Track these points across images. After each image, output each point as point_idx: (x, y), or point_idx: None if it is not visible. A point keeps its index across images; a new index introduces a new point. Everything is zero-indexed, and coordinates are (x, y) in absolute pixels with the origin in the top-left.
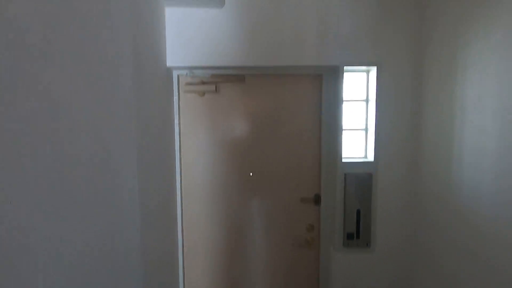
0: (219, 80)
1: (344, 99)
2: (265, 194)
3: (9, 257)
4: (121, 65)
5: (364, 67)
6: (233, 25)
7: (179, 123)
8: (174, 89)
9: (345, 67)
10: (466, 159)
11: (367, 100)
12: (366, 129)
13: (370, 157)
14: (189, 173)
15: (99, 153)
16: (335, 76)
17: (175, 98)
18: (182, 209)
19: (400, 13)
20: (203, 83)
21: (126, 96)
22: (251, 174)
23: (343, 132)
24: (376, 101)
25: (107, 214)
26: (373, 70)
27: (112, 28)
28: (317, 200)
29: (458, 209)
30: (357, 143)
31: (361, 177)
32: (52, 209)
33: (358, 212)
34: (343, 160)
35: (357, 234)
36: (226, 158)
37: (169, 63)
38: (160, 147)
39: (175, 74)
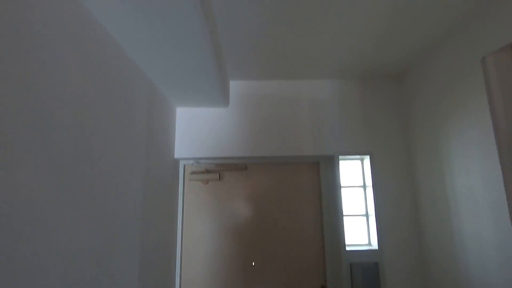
0: (223, 169)
1: (342, 185)
2: (269, 285)
3: None
4: (135, 156)
5: (357, 156)
6: (236, 121)
7: (183, 210)
8: (180, 176)
9: (339, 156)
10: (468, 246)
11: (364, 186)
12: (367, 215)
13: (374, 244)
14: (190, 260)
15: (104, 237)
16: (331, 163)
17: (180, 185)
18: None
19: (388, 108)
20: (207, 171)
21: (136, 184)
22: (253, 263)
23: (344, 218)
24: (373, 187)
25: None
26: (367, 159)
27: (132, 125)
28: None
29: None
30: (359, 229)
31: (368, 267)
32: None
33: None
34: (348, 249)
35: None
36: (228, 246)
37: (177, 155)
38: (163, 233)
39: (181, 163)
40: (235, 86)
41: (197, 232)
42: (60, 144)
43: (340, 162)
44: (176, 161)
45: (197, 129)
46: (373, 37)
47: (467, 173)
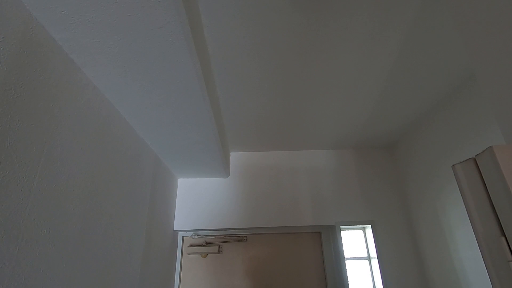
0: (222, 241)
1: (345, 256)
2: None
3: None
4: (137, 228)
5: (359, 225)
6: (236, 192)
7: (180, 284)
8: (178, 249)
9: (341, 226)
10: None
11: (369, 258)
12: None
13: None
14: None
15: None
16: (333, 233)
17: (178, 258)
18: None
19: (384, 176)
20: (206, 243)
21: (135, 257)
22: None
23: None
24: (378, 259)
25: None
26: (369, 228)
27: (136, 198)
28: None
29: None
30: None
31: None
32: None
33: None
34: None
35: None
36: None
37: (176, 227)
38: None
39: (180, 235)
40: (235, 157)
41: None
42: (69, 217)
43: (342, 232)
44: (175, 233)
45: (196, 200)
46: (366, 111)
47: (470, 245)
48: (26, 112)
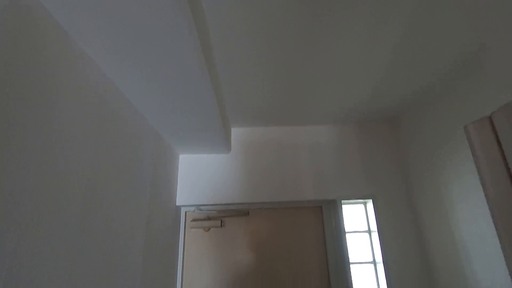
0: (224, 215)
1: (346, 230)
2: None
3: None
4: (139, 204)
5: (360, 200)
6: (238, 167)
7: (183, 258)
8: (181, 224)
9: (342, 200)
10: None
11: (369, 231)
12: (374, 262)
13: None
14: None
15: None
16: (334, 207)
17: (181, 233)
18: None
19: (386, 151)
20: (209, 218)
21: (138, 233)
22: None
23: (351, 265)
24: (378, 233)
25: None
26: (370, 202)
27: (137, 174)
28: None
29: None
30: (367, 277)
31: None
32: None
33: None
34: None
35: None
36: None
37: (179, 202)
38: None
39: (183, 210)
40: (236, 133)
41: (198, 281)
42: (70, 192)
43: (343, 206)
44: (178, 208)
45: (198, 176)
46: (370, 83)
47: (473, 218)
48: (23, 88)
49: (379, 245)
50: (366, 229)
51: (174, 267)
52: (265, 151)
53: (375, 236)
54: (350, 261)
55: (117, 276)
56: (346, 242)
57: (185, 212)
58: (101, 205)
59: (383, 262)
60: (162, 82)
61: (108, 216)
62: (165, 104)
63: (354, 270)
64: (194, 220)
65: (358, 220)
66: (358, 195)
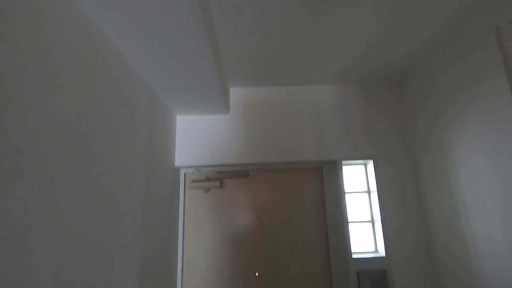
0: (224, 176)
1: (346, 190)
2: None
3: None
4: (136, 165)
5: (361, 161)
6: (237, 128)
7: (184, 220)
8: (180, 185)
9: (342, 161)
10: (481, 252)
11: (369, 192)
12: (372, 221)
13: (381, 251)
14: (191, 272)
15: (102, 245)
16: (334, 169)
17: (181, 194)
18: None
19: (389, 111)
20: (208, 179)
21: (136, 194)
22: (257, 274)
23: (350, 224)
24: (378, 193)
25: None
26: (370, 163)
27: (133, 134)
28: None
29: None
30: (365, 236)
31: (375, 275)
32: None
33: None
34: (354, 256)
35: None
36: (231, 256)
37: (177, 163)
38: (163, 246)
39: (182, 171)
40: (235, 93)
41: (198, 242)
42: (60, 149)
43: (344, 167)
44: (177, 170)
45: (197, 137)
46: (371, 40)
47: (474, 177)
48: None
49: (378, 205)
50: (366, 189)
51: (175, 227)
52: (265, 112)
53: (374, 196)
54: (349, 220)
55: (117, 229)
56: (346, 202)
57: (185, 173)
58: (93, 157)
59: (381, 221)
60: (157, 38)
61: (100, 169)
62: (160, 61)
63: (352, 229)
64: (194, 181)
65: (357, 181)
66: (359, 156)
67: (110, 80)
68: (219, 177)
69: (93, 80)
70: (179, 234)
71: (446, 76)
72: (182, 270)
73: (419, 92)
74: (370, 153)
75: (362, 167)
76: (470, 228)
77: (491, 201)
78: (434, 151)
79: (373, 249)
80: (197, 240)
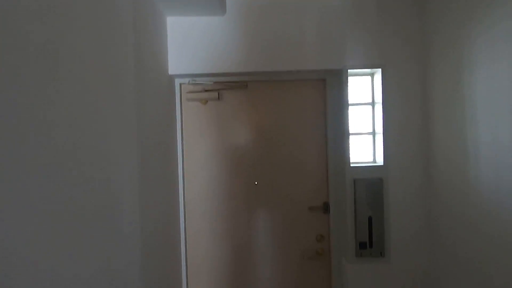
0: (222, 88)
1: (349, 102)
2: (272, 203)
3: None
4: (123, 73)
5: (368, 70)
6: (235, 32)
7: (182, 132)
8: (176, 97)
9: (349, 71)
10: (483, 159)
11: (373, 104)
12: (373, 133)
13: (380, 161)
14: (193, 183)
15: (99, 164)
16: (338, 80)
17: (178, 106)
18: (185, 220)
19: (401, 13)
20: (205, 91)
21: (128, 105)
22: (256, 183)
23: (350, 137)
24: (382, 103)
25: (106, 228)
26: (378, 73)
27: (115, 37)
28: (326, 208)
29: (476, 212)
30: (365, 148)
31: (371, 182)
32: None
33: (370, 219)
34: (352, 165)
35: (370, 243)
36: (230, 167)
37: (171, 71)
38: (162, 158)
39: (177, 82)
40: None
41: (198, 154)
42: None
43: (349, 78)
44: (171, 78)
45: (191, 42)
46: None
47: (491, 83)
48: None
49: (382, 116)
50: (370, 101)
51: (174, 138)
52: (265, 14)
53: (378, 108)
54: (350, 132)
55: (115, 151)
56: (348, 113)
57: (180, 84)
58: (62, 68)
59: (382, 133)
60: None
61: (81, 79)
62: None
63: (353, 141)
64: (190, 92)
65: (362, 93)
66: (367, 64)
67: None
68: (217, 88)
69: None
70: (178, 146)
71: None
72: (183, 180)
73: None
74: (378, 61)
75: (369, 78)
76: (474, 134)
77: (503, 107)
78: (449, 50)
79: (372, 160)
80: (197, 152)
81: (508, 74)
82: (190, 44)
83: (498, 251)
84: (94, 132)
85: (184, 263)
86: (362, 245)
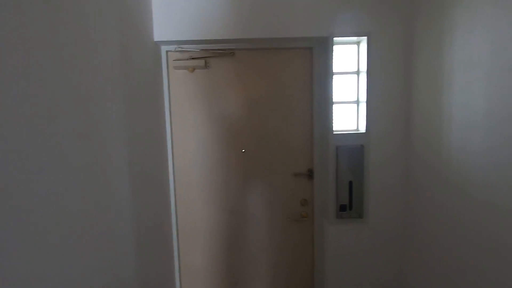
0: (209, 55)
1: (334, 71)
2: (259, 170)
3: None
4: (106, 40)
5: (354, 39)
6: None
7: (169, 101)
8: (162, 65)
9: (334, 39)
10: (455, 123)
11: (358, 73)
12: (357, 102)
13: (362, 129)
14: (181, 151)
15: (85, 135)
16: (325, 49)
17: (164, 75)
18: (175, 188)
19: None
20: (192, 58)
21: (113, 73)
22: (243, 151)
23: (335, 105)
24: (367, 72)
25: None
26: (364, 42)
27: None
28: (310, 174)
29: (450, 177)
30: (348, 116)
31: (353, 149)
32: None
33: (351, 183)
34: (335, 133)
35: (350, 205)
36: (218, 135)
37: (157, 37)
38: (150, 127)
39: (163, 50)
40: None
41: (186, 122)
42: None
43: (335, 47)
44: (157, 45)
45: (177, 7)
46: None
47: (469, 48)
48: None
49: (365, 85)
50: (355, 70)
51: (161, 106)
52: None
53: (363, 77)
54: (334, 100)
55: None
56: (332, 83)
57: (166, 51)
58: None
59: (366, 101)
60: None
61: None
62: None
63: (337, 109)
64: (176, 59)
65: (348, 62)
66: (353, 32)
67: None
68: (204, 56)
69: None
70: (165, 114)
71: None
72: (172, 147)
73: None
74: (364, 29)
75: (355, 47)
76: (450, 98)
77: (478, 72)
78: (434, 26)
79: (355, 128)
80: (185, 120)
81: (484, 39)
82: (175, 10)
83: (467, 201)
84: (76, 104)
85: (175, 228)
86: (342, 208)
